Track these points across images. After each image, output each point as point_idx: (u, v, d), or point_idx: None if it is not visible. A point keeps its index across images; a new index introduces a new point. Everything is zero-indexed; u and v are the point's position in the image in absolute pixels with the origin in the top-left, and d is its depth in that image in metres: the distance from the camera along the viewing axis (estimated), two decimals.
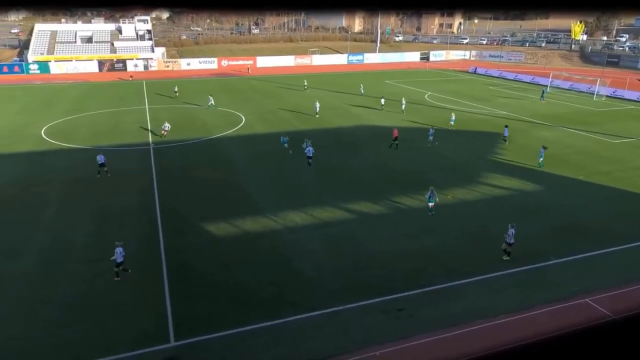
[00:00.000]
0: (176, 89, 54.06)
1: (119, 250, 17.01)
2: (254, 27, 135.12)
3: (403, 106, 45.28)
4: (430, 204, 22.19)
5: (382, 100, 47.32)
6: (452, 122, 38.88)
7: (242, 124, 40.94)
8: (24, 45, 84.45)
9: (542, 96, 52.48)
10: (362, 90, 55.22)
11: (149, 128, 39.15)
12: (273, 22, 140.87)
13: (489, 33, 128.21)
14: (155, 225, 21.41)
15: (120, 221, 21.88)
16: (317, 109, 43.21)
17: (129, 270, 17.22)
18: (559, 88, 60.09)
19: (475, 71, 76.84)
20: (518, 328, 14.33)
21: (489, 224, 21.37)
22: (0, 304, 15.70)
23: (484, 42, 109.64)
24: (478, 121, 41.93)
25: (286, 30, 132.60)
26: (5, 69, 72.15)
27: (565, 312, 15.12)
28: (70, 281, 17.04)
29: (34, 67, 72.82)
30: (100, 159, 27.30)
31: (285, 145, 32.05)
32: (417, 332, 14.21)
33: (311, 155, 28.84)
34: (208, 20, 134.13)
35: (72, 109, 46.85)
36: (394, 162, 30.18)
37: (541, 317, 14.81)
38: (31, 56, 75.91)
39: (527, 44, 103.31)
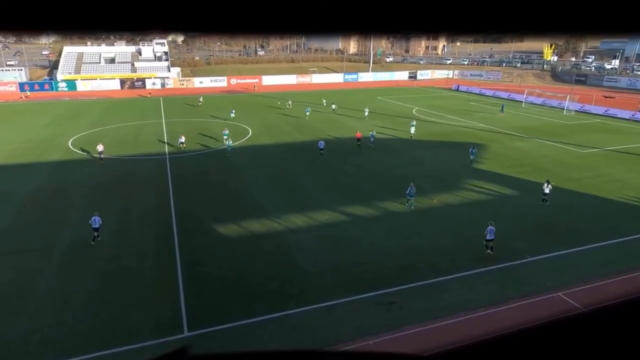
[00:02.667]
0: (201, 99, 57.50)
1: (96, 218, 19.09)
2: (259, 49, 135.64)
3: (365, 113, 49.34)
4: (411, 198, 23.17)
5: (366, 112, 50.16)
6: (412, 133, 39.36)
7: (249, 135, 40.97)
8: (54, 66, 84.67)
9: (501, 109, 52.80)
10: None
11: (165, 140, 39.16)
12: (277, 45, 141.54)
13: (470, 54, 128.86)
14: (170, 226, 21.35)
15: (139, 222, 21.82)
16: (308, 112, 49.35)
17: (97, 239, 19.20)
18: (533, 104, 60.31)
19: (457, 89, 77.10)
20: (497, 320, 14.28)
21: (471, 225, 21.34)
22: (37, 295, 15.64)
23: (466, 62, 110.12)
24: (460, 133, 42.04)
25: (289, 52, 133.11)
26: (36, 86, 72.26)
27: (539, 305, 15.08)
28: (95, 275, 17.00)
29: (62, 85, 72.96)
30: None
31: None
32: (407, 324, 14.15)
33: (322, 147, 33.26)
34: (219, 43, 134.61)
35: (96, 122, 46.87)
36: (385, 170, 30.19)
37: (518, 310, 14.76)
38: (60, 75, 76.10)
39: (504, 64, 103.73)
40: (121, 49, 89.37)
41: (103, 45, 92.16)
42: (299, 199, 24.90)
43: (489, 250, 18.47)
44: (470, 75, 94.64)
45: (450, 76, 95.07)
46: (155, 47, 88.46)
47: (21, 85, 70.61)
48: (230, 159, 33.10)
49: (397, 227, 21.41)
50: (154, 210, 23.39)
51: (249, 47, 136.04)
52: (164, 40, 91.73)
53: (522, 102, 60.67)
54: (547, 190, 23.82)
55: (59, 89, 72.45)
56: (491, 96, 68.19)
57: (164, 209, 23.49)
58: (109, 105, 58.86)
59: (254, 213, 22.98)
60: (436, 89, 78.42)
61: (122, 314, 14.68)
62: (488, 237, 18.32)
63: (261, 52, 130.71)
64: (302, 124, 45.61)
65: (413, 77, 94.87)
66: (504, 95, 66.98)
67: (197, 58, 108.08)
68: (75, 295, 15.73)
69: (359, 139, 36.11)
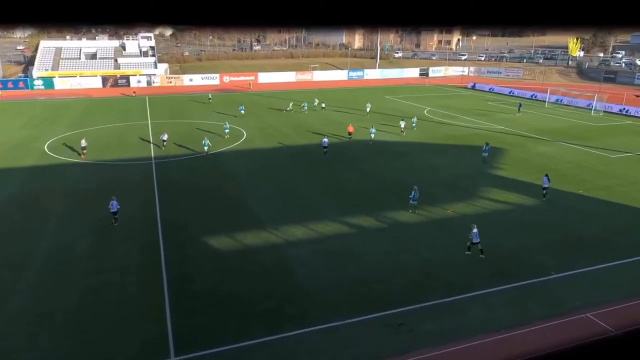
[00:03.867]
0: (210, 96, 59.81)
1: (114, 202, 21.71)
2: (255, 43, 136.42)
3: (367, 109, 51.47)
4: (414, 202, 23.72)
5: (368, 108, 52.08)
6: (414, 124, 43.80)
7: (243, 138, 41.08)
8: (29, 62, 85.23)
9: (518, 109, 53.29)
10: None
11: (152, 142, 39.28)
12: (274, 39, 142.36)
13: (487, 49, 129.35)
14: (156, 238, 21.35)
15: (121, 233, 21.83)
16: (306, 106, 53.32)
17: (115, 224, 22.00)
18: (557, 103, 60.42)
19: (474, 87, 77.29)
20: (518, 343, 14.18)
21: (488, 238, 21.26)
22: (4, 316, 15.58)
23: (482, 58, 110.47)
24: (476, 136, 42.06)
25: (287, 46, 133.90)
26: (10, 84, 72.66)
27: (566, 327, 14.98)
28: (73, 292, 16.97)
29: (38, 83, 73.35)
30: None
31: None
32: (417, 347, 14.07)
33: (326, 146, 34.82)
34: (210, 37, 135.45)
35: (76, 124, 47.07)
36: (393, 176, 30.19)
37: (542, 332, 14.66)
38: (36, 72, 76.53)
39: (525, 60, 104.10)
40: (103, 43, 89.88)
41: (84, 40, 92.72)
42: (298, 209, 24.89)
43: (481, 255, 19.28)
44: (488, 72, 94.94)
45: (466, 73, 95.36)
46: (140, 41, 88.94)
47: None
48: (222, 164, 33.15)
49: (407, 239, 21.37)
50: (139, 221, 23.40)
51: (243, 41, 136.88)
52: (151, 34, 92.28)
53: (545, 101, 60.75)
54: (546, 185, 25.94)
55: (35, 87, 72.86)
56: (511, 95, 68.35)
57: (150, 219, 23.50)
58: (89, 105, 59.17)
59: (249, 224, 22.97)
60: (450, 88, 78.63)
61: (103, 337, 14.62)
62: (474, 241, 19.27)
63: (257, 47, 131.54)
64: (302, 126, 45.72)
65: (424, 74, 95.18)
66: (527, 94, 67.09)
67: (187, 53, 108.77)
68: (50, 315, 15.70)
69: (350, 133, 39.52)
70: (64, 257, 19.64)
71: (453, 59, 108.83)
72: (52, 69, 78.05)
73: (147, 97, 65.54)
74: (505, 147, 37.77)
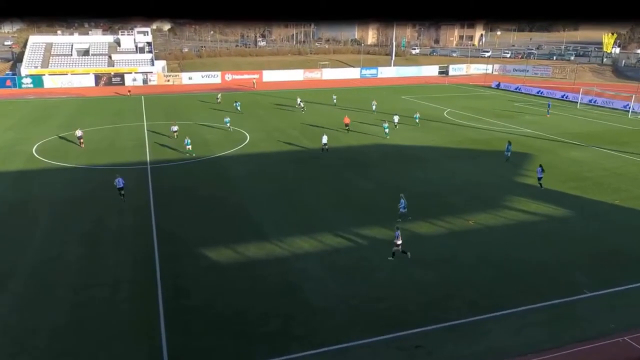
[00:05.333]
0: (219, 97, 60.72)
1: (119, 179, 23.89)
2: (260, 39, 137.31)
3: (373, 107, 53.66)
4: (404, 211, 23.91)
5: (374, 105, 54.58)
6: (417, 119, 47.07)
7: (246, 142, 41.26)
8: (17, 58, 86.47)
9: (548, 111, 53.39)
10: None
11: (147, 146, 39.61)
12: (281, 34, 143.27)
13: (513, 45, 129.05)
14: (151, 249, 21.45)
15: (113, 244, 21.98)
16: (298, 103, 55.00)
17: (124, 199, 24.52)
18: (590, 104, 60.02)
19: (498, 86, 77.09)
20: None
21: (514, 253, 21.12)
22: None
23: (508, 55, 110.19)
24: (501, 140, 41.76)
25: (295, 42, 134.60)
26: None
27: (600, 350, 14.78)
28: (60, 308, 17.08)
29: (27, 81, 74.38)
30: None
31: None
32: None
33: (326, 142, 36.83)
34: (212, 32, 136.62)
35: (66, 125, 47.57)
36: (408, 184, 30.10)
37: (573, 356, 14.48)
38: (24, 70, 77.63)
39: (555, 58, 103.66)
40: (97, 38, 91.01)
41: (76, 35, 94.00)
42: (305, 219, 24.90)
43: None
44: (514, 70, 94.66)
45: (489, 71, 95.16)
46: (136, 36, 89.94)
47: None
48: (223, 169, 33.31)
49: (424, 253, 21.26)
50: (132, 230, 23.55)
51: (247, 36, 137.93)
52: (148, 29, 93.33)
53: (576, 102, 60.38)
54: (540, 175, 29.00)
55: (23, 85, 73.88)
56: (539, 95, 68.03)
57: (144, 229, 23.64)
58: (81, 105, 59.83)
59: (252, 234, 23.01)
60: (472, 87, 78.50)
61: (91, 357, 14.67)
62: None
63: (262, 43, 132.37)
64: (309, 128, 45.82)
65: (444, 72, 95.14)
66: (557, 94, 66.71)
67: (186, 49, 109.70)
68: (35, 333, 15.79)
69: (347, 125, 43.26)
70: (51, 268, 19.78)
71: (475, 56, 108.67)
72: (42, 66, 79.13)
73: (142, 97, 66.15)
74: (534, 152, 37.54)
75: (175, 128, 41.50)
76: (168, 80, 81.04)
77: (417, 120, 47.24)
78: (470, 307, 17.17)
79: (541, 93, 68.57)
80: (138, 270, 19.78)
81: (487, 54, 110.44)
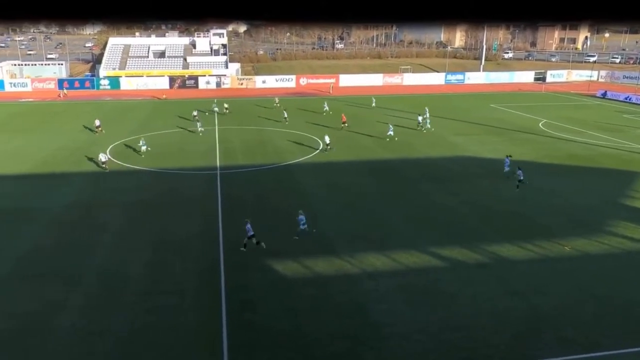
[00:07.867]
0: (277, 100, 62.45)
1: (248, 226, 22.61)
2: (338, 41, 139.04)
3: (426, 118, 49.97)
4: (304, 227, 23.57)
5: (374, 102, 60.81)
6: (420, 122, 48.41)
7: (319, 149, 41.74)
8: (97, 60, 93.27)
9: None
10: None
11: (217, 150, 41.14)
12: (360, 36, 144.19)
13: (624, 49, 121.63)
14: (217, 259, 22.17)
15: (180, 251, 22.92)
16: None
17: (262, 244, 22.49)
18: None
19: (604, 95, 73.01)
20: None
21: (618, 286, 19.76)
22: (56, 334, 16.89)
23: (617, 60, 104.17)
24: (607, 157, 39.48)
25: (374, 45, 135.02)
26: (76, 84, 79.88)
27: None
28: (123, 314, 18.02)
29: (104, 83, 79.96)
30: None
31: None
32: None
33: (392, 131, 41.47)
34: (288, 34, 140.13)
35: (139, 127, 50.55)
36: (497, 203, 29.10)
37: None
38: (103, 71, 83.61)
39: None
40: (173, 40, 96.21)
41: (153, 37, 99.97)
42: (379, 235, 24.73)
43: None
44: (624, 77, 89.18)
45: (595, 79, 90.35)
46: (212, 38, 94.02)
47: (60, 82, 78.41)
48: (294, 178, 33.87)
49: (512, 280, 20.42)
50: (199, 238, 24.48)
51: (325, 38, 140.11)
52: (223, 31, 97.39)
53: None
54: (521, 177, 29.91)
55: (101, 87, 79.46)
56: None
57: (211, 238, 24.50)
58: (154, 108, 63.39)
59: (321, 249, 23.17)
60: (573, 96, 74.83)
61: None
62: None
63: (340, 46, 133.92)
64: (385, 139, 45.57)
65: (541, 78, 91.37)
66: None
67: (261, 52, 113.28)
68: (101, 337, 16.76)
69: (344, 122, 47.81)
70: (119, 273, 20.95)
71: (578, 61, 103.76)
72: (120, 68, 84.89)
73: (215, 100, 68.80)
74: None
75: (286, 114, 48.84)
76: (241, 84, 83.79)
77: (427, 118, 49.49)
78: (564, 345, 16.29)
79: None
80: (203, 280, 20.48)
81: (592, 59, 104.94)
